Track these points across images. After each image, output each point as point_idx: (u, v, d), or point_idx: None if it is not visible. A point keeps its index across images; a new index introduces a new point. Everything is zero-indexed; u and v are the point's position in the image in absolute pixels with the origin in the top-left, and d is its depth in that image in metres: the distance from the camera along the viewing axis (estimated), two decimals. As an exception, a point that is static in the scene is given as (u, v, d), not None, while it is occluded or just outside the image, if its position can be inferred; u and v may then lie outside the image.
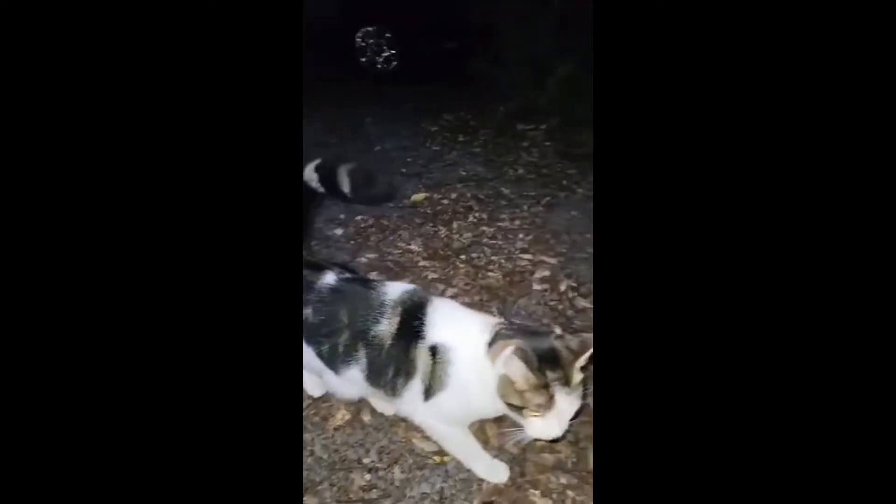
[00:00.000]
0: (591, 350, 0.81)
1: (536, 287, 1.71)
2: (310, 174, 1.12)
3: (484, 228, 2.08)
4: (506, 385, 0.81)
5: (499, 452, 1.09)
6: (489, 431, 1.13)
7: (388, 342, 0.92)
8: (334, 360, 0.98)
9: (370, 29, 4.26)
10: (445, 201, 2.28)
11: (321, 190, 1.13)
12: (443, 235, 2.01)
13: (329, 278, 1.00)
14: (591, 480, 1.03)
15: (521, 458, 1.08)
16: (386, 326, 0.93)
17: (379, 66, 4.32)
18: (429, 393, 0.90)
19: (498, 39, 3.44)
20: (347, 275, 1.04)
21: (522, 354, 0.78)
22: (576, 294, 1.69)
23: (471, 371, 0.86)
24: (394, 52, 4.24)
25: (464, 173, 2.59)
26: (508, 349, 0.80)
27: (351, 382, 1.00)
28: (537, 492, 1.01)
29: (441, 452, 1.06)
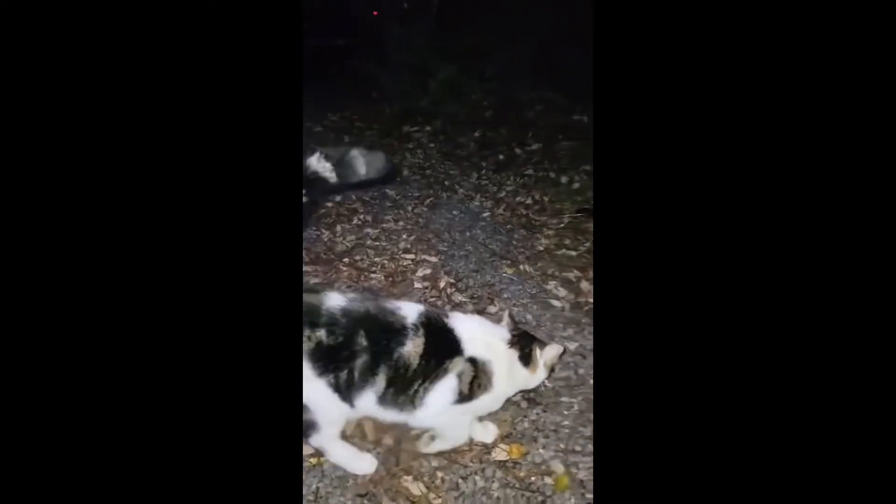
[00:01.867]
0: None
1: (417, 285, 1.80)
2: (319, 164, 1.09)
3: (368, 230, 2.12)
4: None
5: (375, 445, 1.15)
6: (366, 427, 1.19)
7: (416, 361, 1.01)
8: (350, 388, 1.00)
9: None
10: (329, 204, 2.28)
11: (333, 179, 1.10)
12: (325, 239, 2.01)
13: (337, 300, 1.02)
14: (460, 461, 1.14)
15: (396, 448, 1.15)
16: (411, 347, 1.01)
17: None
18: (464, 397, 1.06)
19: (381, 40, 3.48)
20: (353, 294, 1.07)
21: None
22: (454, 290, 1.81)
23: (506, 375, 1.08)
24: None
25: (349, 175, 2.60)
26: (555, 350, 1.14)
27: (354, 409, 1.04)
28: (409, 477, 1.09)
29: (317, 454, 1.10)
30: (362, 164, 1.11)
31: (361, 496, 1.05)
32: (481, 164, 2.85)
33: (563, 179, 2.65)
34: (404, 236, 2.11)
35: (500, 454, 1.16)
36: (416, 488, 1.07)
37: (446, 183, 2.63)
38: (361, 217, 2.22)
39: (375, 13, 3.97)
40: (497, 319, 1.20)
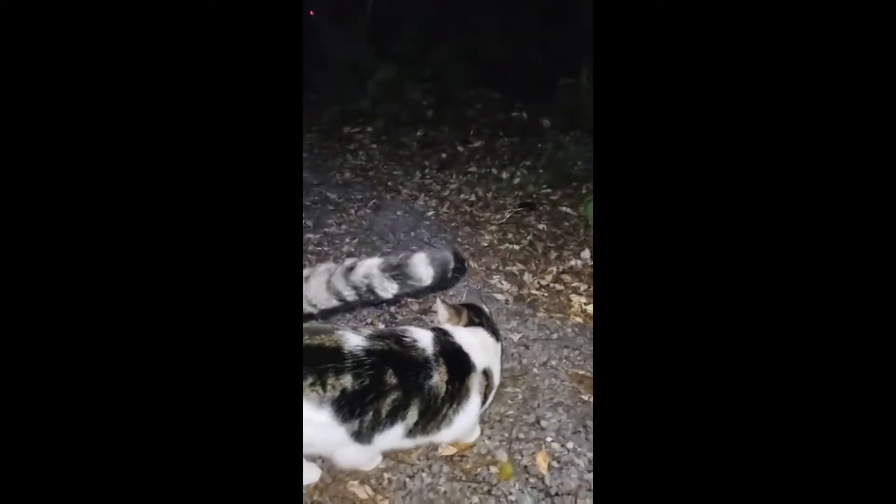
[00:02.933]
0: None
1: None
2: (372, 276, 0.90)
3: (309, 236, 2.08)
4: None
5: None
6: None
7: (444, 389, 1.02)
8: (373, 430, 0.97)
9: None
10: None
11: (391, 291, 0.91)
12: (265, 248, 1.96)
13: (356, 340, 0.97)
14: (406, 460, 1.15)
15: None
16: (437, 377, 1.02)
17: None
18: (483, 403, 1.11)
19: (318, 40, 3.41)
20: (369, 331, 1.04)
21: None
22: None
23: (499, 368, 1.16)
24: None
25: (289, 180, 2.54)
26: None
27: (368, 448, 1.01)
28: (355, 481, 1.09)
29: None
30: (427, 269, 0.90)
31: (306, 506, 1.04)
32: (424, 163, 2.86)
33: (505, 175, 2.71)
34: (347, 240, 2.09)
35: (446, 450, 1.18)
36: (363, 491, 1.07)
37: (389, 184, 2.62)
38: (302, 222, 2.18)
39: (312, 13, 3.89)
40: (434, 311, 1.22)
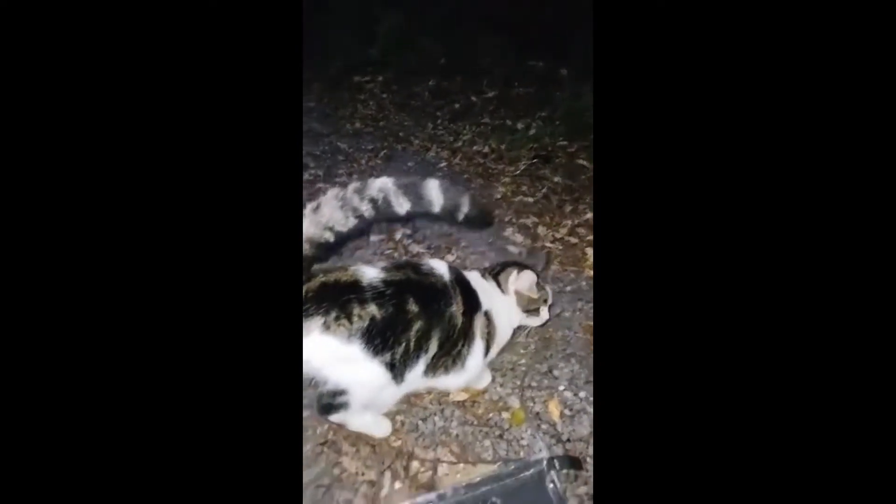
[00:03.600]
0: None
1: (374, 238, 1.77)
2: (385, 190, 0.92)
3: (319, 185, 2.04)
4: (525, 299, 1.14)
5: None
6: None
7: (460, 320, 1.00)
8: (405, 363, 0.95)
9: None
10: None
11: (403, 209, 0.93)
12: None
13: (373, 272, 0.95)
14: (419, 403, 1.15)
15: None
16: (455, 307, 1.00)
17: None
18: (487, 350, 1.08)
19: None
20: (383, 263, 1.01)
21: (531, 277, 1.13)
22: (411, 241, 1.79)
23: (506, 320, 1.12)
24: None
25: (297, 130, 2.47)
26: (523, 274, 1.12)
27: (401, 386, 0.99)
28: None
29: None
30: (439, 194, 0.93)
31: (322, 444, 1.05)
32: (436, 113, 2.76)
33: (520, 126, 2.61)
34: (358, 190, 2.04)
35: (458, 395, 1.18)
36: (376, 433, 1.08)
37: (400, 134, 2.54)
38: (312, 172, 2.13)
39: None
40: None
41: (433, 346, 0.98)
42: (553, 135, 2.54)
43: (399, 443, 1.07)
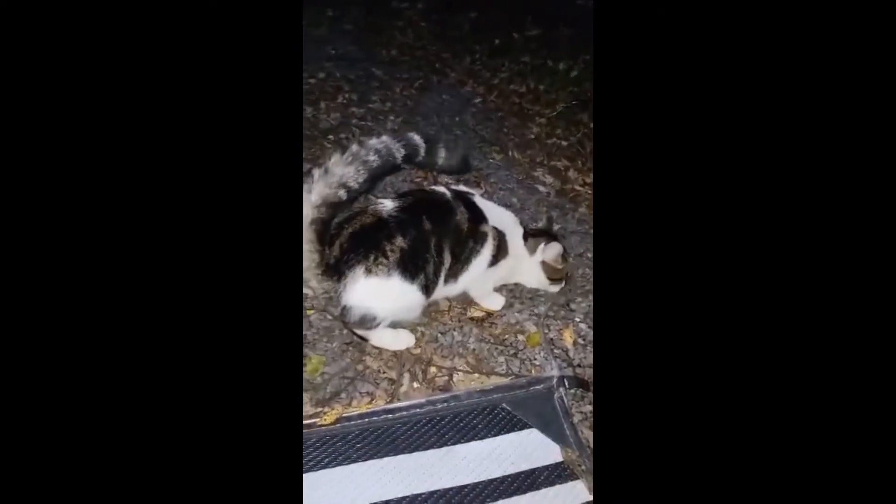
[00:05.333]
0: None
1: (404, 166, 1.77)
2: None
3: (353, 109, 2.03)
4: (550, 269, 1.23)
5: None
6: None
7: (465, 227, 1.10)
8: (436, 279, 1.07)
9: None
10: (312, 80, 2.15)
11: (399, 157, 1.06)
12: (308, 115, 1.93)
13: (389, 204, 1.07)
14: (440, 319, 1.21)
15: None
16: (459, 216, 1.10)
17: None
18: (493, 261, 1.16)
19: None
20: (393, 195, 1.15)
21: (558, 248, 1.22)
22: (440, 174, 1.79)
23: (517, 248, 1.21)
24: None
25: (333, 52, 2.42)
26: (551, 245, 1.22)
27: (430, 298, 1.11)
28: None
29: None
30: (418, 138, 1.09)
31: (347, 344, 1.12)
32: (475, 47, 2.66)
33: (561, 67, 2.51)
34: (391, 118, 2.03)
35: (474, 313, 1.23)
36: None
37: (437, 66, 2.48)
38: (346, 96, 2.11)
39: None
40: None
41: (447, 257, 1.08)
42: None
43: (419, 350, 1.14)
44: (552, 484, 0.91)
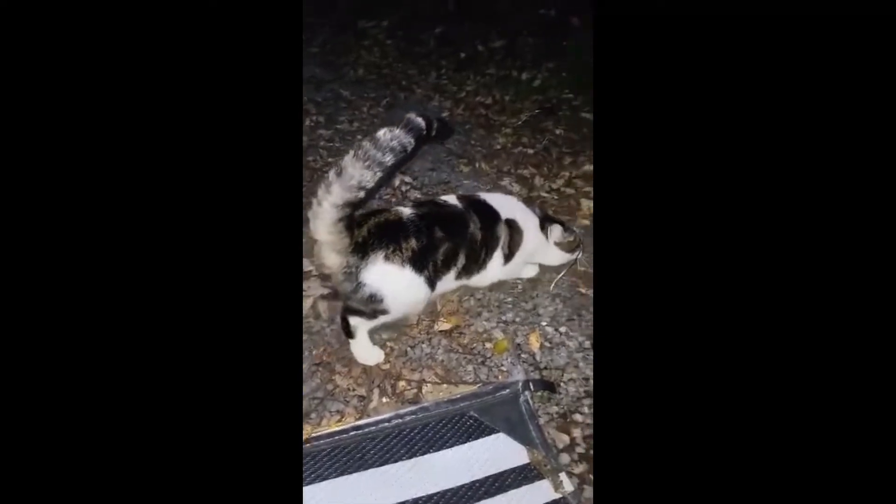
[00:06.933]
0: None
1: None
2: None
3: (321, 132, 2.07)
4: (564, 245, 1.39)
5: (329, 323, 1.24)
6: (319, 307, 1.26)
7: (479, 235, 1.22)
8: (438, 275, 1.18)
9: None
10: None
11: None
12: (277, 140, 1.96)
13: (408, 210, 1.18)
14: (409, 332, 1.24)
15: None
16: (473, 227, 1.22)
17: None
18: (507, 258, 1.29)
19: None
20: (411, 203, 1.31)
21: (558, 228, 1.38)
22: (409, 188, 1.83)
23: (533, 235, 1.33)
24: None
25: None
26: (553, 228, 1.37)
27: (434, 291, 1.21)
28: (361, 347, 1.19)
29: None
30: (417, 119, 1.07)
31: (317, 365, 1.15)
32: (441, 62, 2.72)
33: (525, 77, 2.58)
34: (359, 137, 2.06)
35: (442, 325, 1.27)
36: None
37: (404, 83, 2.53)
38: (314, 118, 2.15)
39: None
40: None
41: (461, 260, 1.22)
42: (559, 87, 2.51)
43: (388, 366, 1.17)
44: (519, 485, 0.94)
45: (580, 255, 1.45)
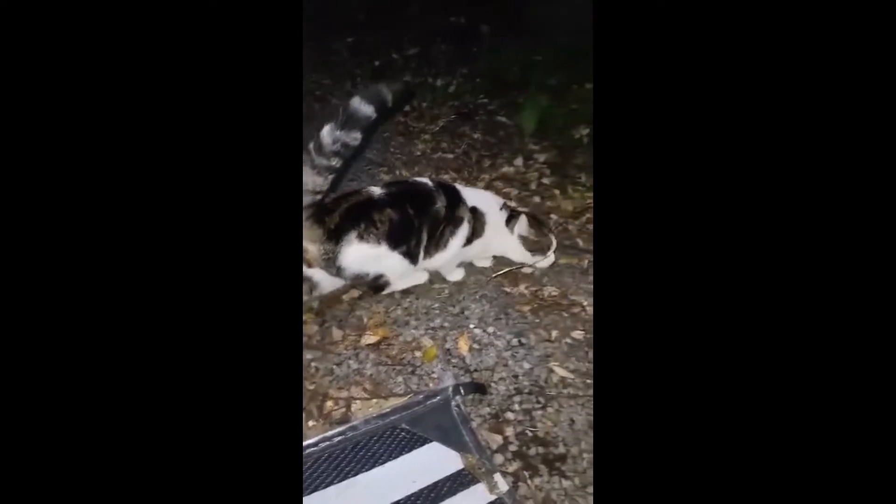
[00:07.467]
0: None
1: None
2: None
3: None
4: (528, 241, 1.42)
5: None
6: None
7: (443, 212, 1.30)
8: (417, 249, 1.27)
9: None
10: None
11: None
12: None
13: (378, 190, 1.26)
14: (333, 350, 1.19)
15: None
16: (440, 203, 1.30)
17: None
18: (469, 241, 1.36)
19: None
20: (383, 182, 1.42)
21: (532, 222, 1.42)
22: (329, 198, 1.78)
23: (496, 227, 1.39)
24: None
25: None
26: (520, 218, 1.40)
27: (416, 267, 1.32)
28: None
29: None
30: (366, 106, 1.13)
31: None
32: (356, 71, 2.69)
33: (440, 83, 2.61)
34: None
35: (369, 339, 1.23)
36: (291, 380, 1.11)
37: (318, 93, 2.46)
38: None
39: None
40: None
41: (425, 235, 1.29)
42: (474, 92, 2.57)
43: (313, 386, 1.11)
44: (454, 493, 0.93)
45: (551, 259, 1.45)
